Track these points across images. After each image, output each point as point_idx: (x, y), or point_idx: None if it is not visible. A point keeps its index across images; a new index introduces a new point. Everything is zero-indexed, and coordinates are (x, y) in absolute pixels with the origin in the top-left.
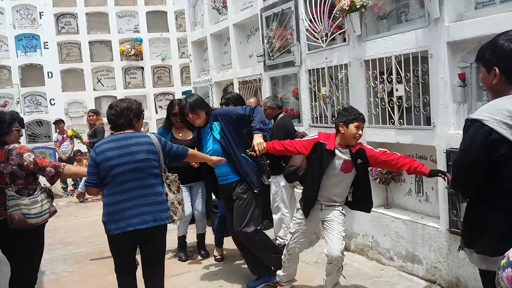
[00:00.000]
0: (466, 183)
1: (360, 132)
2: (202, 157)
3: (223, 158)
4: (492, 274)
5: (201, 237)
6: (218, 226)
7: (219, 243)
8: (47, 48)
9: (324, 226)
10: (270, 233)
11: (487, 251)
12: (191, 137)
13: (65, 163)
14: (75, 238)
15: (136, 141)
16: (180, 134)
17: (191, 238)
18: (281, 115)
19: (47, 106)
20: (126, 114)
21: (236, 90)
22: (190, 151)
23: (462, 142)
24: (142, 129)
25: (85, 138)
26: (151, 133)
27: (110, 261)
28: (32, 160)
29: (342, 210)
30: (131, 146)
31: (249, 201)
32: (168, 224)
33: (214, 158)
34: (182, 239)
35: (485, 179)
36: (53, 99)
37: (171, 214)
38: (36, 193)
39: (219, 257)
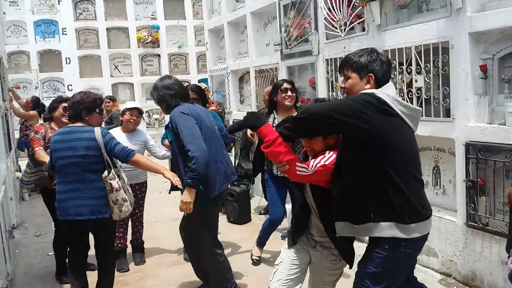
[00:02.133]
0: None
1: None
2: (153, 168)
3: (179, 181)
4: None
5: None
6: (267, 226)
7: (262, 242)
8: (65, 34)
9: None
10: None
11: None
12: None
13: (40, 148)
14: None
15: (77, 136)
16: None
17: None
18: (297, 104)
19: (64, 92)
20: (75, 107)
21: (252, 79)
22: (136, 157)
23: None
24: (157, 116)
25: (102, 124)
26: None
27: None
28: (29, 139)
29: None
30: (72, 141)
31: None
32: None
33: (169, 174)
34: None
35: None
36: (71, 85)
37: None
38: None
39: (257, 257)
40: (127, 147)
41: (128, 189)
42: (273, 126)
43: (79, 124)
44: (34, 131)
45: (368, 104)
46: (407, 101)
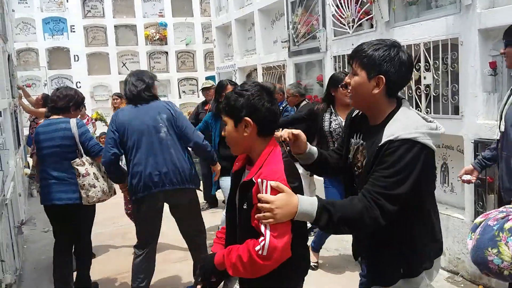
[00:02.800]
0: None
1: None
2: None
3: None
4: None
5: None
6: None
7: (317, 248)
8: (74, 31)
9: None
10: None
11: None
12: None
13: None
14: (99, 219)
15: (55, 128)
16: None
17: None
18: (304, 102)
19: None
20: (67, 101)
21: (260, 76)
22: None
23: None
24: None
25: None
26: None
27: (134, 241)
28: None
29: None
30: (51, 132)
31: None
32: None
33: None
34: None
35: None
36: (79, 82)
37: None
38: None
39: (315, 263)
40: (99, 144)
41: (102, 177)
42: (330, 124)
43: (59, 116)
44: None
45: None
46: (415, 98)
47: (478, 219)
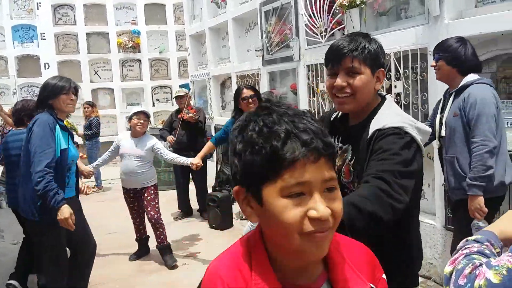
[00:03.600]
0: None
1: None
2: None
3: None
4: None
5: None
6: None
7: None
8: (44, 39)
9: None
10: None
11: None
12: None
13: None
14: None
15: (15, 138)
16: None
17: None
18: None
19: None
20: (18, 114)
21: (234, 85)
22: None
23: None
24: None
25: (81, 130)
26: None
27: (106, 253)
28: None
29: None
30: (13, 142)
31: None
32: None
33: None
34: None
35: None
36: None
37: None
38: None
39: None
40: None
41: None
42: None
43: (21, 128)
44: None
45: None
46: None
47: (447, 268)
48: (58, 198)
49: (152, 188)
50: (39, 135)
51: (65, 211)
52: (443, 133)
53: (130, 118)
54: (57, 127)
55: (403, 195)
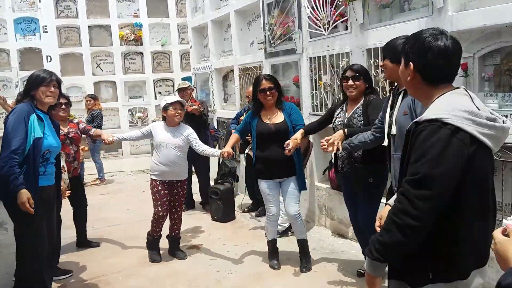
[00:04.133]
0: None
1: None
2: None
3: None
4: None
5: (302, 244)
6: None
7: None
8: (46, 32)
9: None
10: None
11: None
12: (282, 120)
13: None
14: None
15: None
16: (269, 117)
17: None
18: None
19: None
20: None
21: (236, 77)
22: None
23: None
24: (140, 114)
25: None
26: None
27: (110, 245)
28: None
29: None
30: None
31: None
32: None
33: None
34: (271, 244)
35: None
36: None
37: None
38: None
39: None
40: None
41: None
42: (335, 120)
43: None
44: None
45: None
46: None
47: None
48: (17, 183)
49: (185, 182)
50: (11, 124)
51: (22, 196)
52: (394, 131)
53: (165, 108)
54: (33, 116)
55: (421, 208)
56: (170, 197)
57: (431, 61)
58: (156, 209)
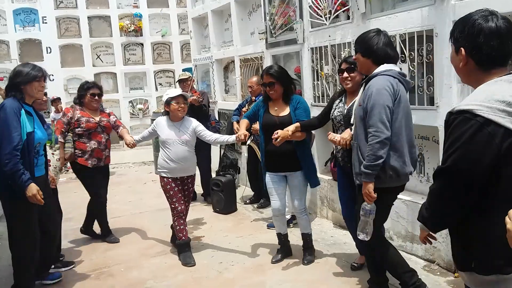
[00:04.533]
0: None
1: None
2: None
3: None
4: None
5: (305, 238)
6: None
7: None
8: (46, 23)
9: None
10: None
11: None
12: (287, 113)
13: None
14: (75, 214)
15: None
16: (276, 109)
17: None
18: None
19: (46, 82)
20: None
21: (237, 68)
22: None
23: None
24: (141, 106)
25: None
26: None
27: None
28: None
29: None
30: None
31: None
32: None
33: None
34: (278, 237)
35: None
36: (52, 75)
37: None
38: None
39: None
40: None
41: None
42: (334, 111)
43: None
44: (62, 113)
45: None
46: None
47: None
48: (25, 178)
49: (194, 176)
50: (5, 120)
51: (32, 189)
52: (352, 121)
53: (167, 103)
54: (22, 111)
55: (443, 198)
56: (183, 193)
57: (484, 43)
58: (173, 206)
